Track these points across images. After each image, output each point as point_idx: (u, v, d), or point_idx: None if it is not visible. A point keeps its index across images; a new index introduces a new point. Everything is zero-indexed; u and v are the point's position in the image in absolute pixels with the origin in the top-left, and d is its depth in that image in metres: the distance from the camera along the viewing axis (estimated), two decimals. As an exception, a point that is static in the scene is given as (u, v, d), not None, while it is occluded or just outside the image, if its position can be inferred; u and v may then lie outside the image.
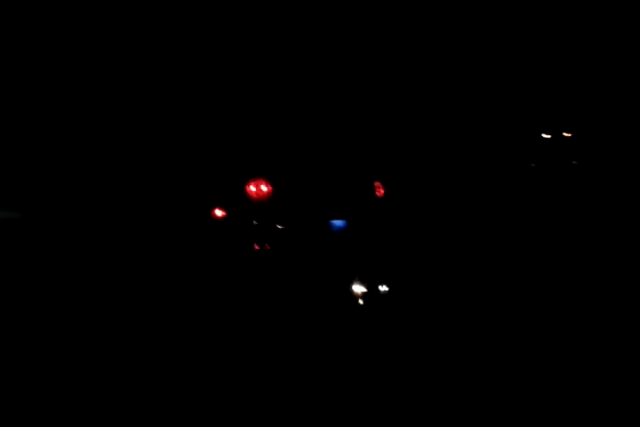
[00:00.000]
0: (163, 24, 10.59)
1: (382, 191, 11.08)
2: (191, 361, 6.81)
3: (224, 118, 10.91)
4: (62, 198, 11.29)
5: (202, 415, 4.61)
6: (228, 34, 10.68)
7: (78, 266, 10.16)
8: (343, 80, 11.04)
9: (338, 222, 10.82)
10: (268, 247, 10.63)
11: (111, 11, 10.59)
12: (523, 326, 8.46)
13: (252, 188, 10.66)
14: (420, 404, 5.58)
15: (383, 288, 10.14)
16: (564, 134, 11.13)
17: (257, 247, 10.58)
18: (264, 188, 10.65)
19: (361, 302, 9.87)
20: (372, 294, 10.17)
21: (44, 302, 8.62)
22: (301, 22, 10.64)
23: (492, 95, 11.26)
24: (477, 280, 10.14)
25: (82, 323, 7.82)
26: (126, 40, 10.61)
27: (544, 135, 11.23)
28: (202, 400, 5.00)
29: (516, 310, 9.18)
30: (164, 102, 10.83)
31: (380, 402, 5.75)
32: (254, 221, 10.70)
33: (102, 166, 11.04)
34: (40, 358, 6.26)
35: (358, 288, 10.16)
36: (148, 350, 6.95)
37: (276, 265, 10.46)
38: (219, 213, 10.78)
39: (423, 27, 11.01)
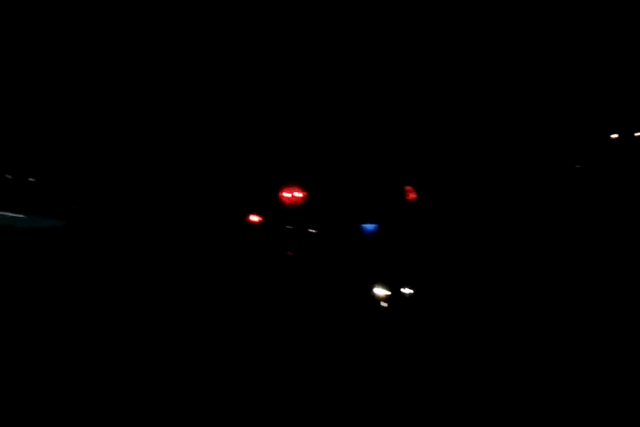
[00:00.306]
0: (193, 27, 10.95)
1: (413, 195, 11.40)
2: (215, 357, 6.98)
3: (259, 127, 11.35)
4: (103, 207, 11.90)
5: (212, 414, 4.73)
6: (258, 41, 11.02)
7: (118, 269, 10.73)
8: (374, 89, 11.34)
9: (369, 226, 11.19)
10: (300, 250, 11.08)
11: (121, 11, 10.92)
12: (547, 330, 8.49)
13: (287, 194, 11.11)
14: (438, 405, 5.70)
15: (410, 291, 10.41)
16: (633, 135, 11.15)
17: (290, 253, 11.06)
18: (298, 193, 11.09)
19: (385, 304, 10.18)
20: (399, 296, 10.45)
21: (82, 303, 8.92)
22: (320, 29, 10.91)
23: (526, 102, 11.39)
24: (505, 285, 10.33)
25: (118, 324, 8.06)
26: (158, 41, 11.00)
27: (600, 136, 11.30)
28: (213, 398, 5.17)
29: (540, 319, 9.27)
30: (200, 111, 11.31)
31: (400, 402, 5.78)
32: (288, 226, 11.17)
33: (141, 174, 11.61)
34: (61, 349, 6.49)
35: (384, 291, 10.45)
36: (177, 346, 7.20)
37: (309, 268, 10.85)
38: (254, 218, 11.27)
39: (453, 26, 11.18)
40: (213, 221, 11.53)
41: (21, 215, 18.82)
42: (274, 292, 10.20)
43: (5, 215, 19.16)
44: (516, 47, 11.00)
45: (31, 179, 20.15)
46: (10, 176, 21.66)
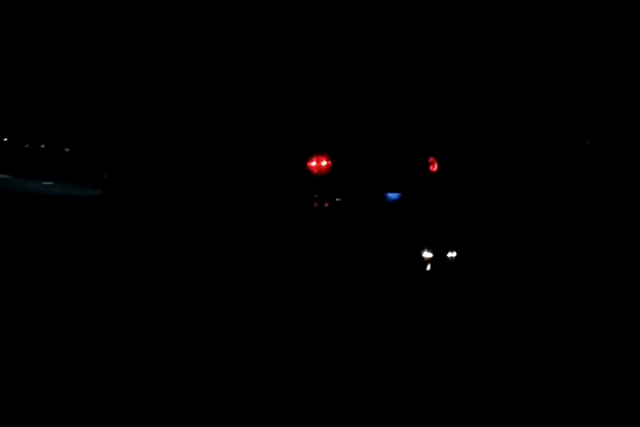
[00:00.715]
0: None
1: (436, 166, 11.76)
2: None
3: (286, 100, 11.66)
4: (140, 177, 12.16)
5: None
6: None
7: (153, 238, 11.00)
8: (395, 63, 11.62)
9: (393, 195, 11.56)
10: (328, 220, 11.45)
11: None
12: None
13: (314, 163, 11.47)
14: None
15: (429, 255, 10.69)
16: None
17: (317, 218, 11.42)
18: (324, 162, 11.45)
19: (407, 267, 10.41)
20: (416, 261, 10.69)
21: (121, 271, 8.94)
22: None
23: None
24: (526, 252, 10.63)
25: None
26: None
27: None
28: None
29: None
30: (232, 85, 11.60)
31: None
32: (315, 194, 11.54)
33: (177, 145, 11.94)
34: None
35: (421, 255, 10.67)
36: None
37: (336, 235, 11.17)
38: (283, 184, 11.65)
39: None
40: (245, 189, 11.86)
41: (54, 182, 19.05)
42: (303, 258, 10.37)
43: (41, 183, 19.39)
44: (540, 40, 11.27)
45: (67, 149, 20.49)
46: (44, 146, 21.97)
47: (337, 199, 11.50)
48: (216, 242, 10.84)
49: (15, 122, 22.13)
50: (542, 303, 7.97)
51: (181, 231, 11.28)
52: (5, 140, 23.77)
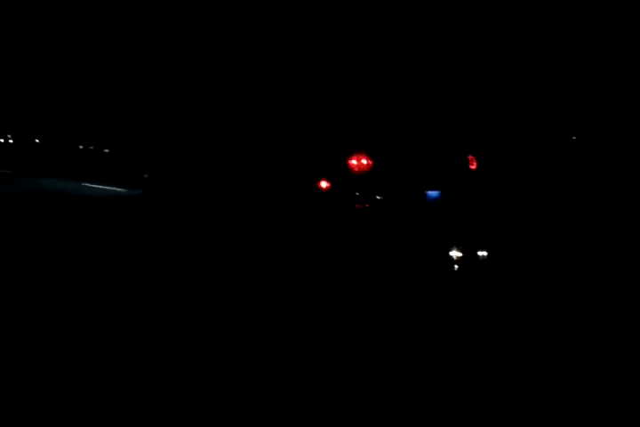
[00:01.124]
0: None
1: (475, 164, 11.83)
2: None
3: (329, 99, 11.81)
4: (177, 177, 12.35)
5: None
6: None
7: (191, 236, 11.10)
8: (434, 63, 11.71)
9: (433, 193, 11.65)
10: (368, 216, 11.56)
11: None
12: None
13: (354, 161, 11.60)
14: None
15: (476, 253, 10.72)
16: None
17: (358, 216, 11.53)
18: (364, 161, 11.58)
19: (456, 266, 10.44)
20: (466, 258, 10.72)
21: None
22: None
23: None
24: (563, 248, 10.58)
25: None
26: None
27: None
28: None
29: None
30: (271, 81, 11.74)
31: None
32: (356, 193, 11.67)
33: (214, 145, 12.12)
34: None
35: (453, 253, 10.72)
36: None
37: (376, 232, 11.24)
38: (324, 184, 11.79)
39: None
40: (285, 187, 12.00)
41: (97, 185, 19.25)
42: (342, 255, 10.44)
43: (85, 185, 19.57)
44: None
45: (106, 150, 20.76)
46: (82, 147, 22.28)
47: (377, 197, 11.62)
48: (252, 237, 10.94)
49: (50, 123, 22.45)
50: (575, 310, 7.62)
51: (217, 226, 11.40)
52: (38, 141, 24.10)
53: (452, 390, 4.89)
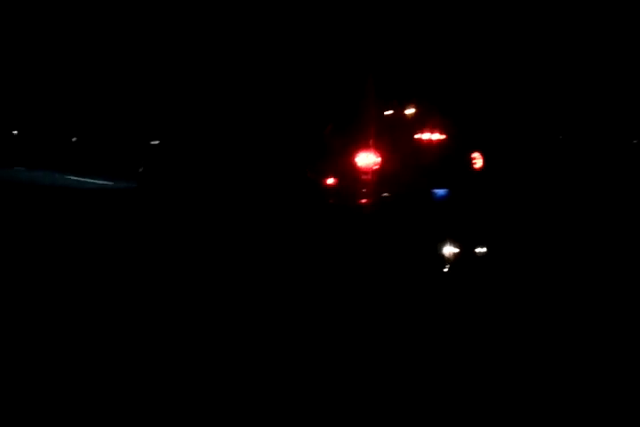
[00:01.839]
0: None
1: (481, 163, 11.71)
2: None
3: (338, 95, 11.65)
4: (176, 169, 12.18)
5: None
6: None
7: (188, 232, 10.96)
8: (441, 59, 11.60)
9: (440, 192, 11.52)
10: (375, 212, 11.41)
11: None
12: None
13: (360, 157, 11.44)
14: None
15: (479, 250, 10.67)
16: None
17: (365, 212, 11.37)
18: (372, 157, 11.43)
19: (452, 264, 10.37)
20: (466, 256, 10.68)
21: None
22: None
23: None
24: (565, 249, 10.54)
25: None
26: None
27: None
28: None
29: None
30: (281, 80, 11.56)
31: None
32: (363, 189, 11.51)
33: (217, 138, 11.91)
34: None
35: (452, 250, 10.67)
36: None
37: (382, 231, 11.12)
38: (330, 180, 11.63)
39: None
40: (288, 184, 11.83)
41: (88, 179, 19.29)
42: (348, 253, 10.36)
43: (73, 179, 19.61)
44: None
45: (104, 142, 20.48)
46: (75, 139, 21.98)
47: (384, 194, 11.47)
48: (253, 234, 10.78)
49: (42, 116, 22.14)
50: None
51: (214, 222, 11.29)
52: (14, 132, 23.69)
53: (452, 390, 4.84)
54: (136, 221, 11.89)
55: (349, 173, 11.53)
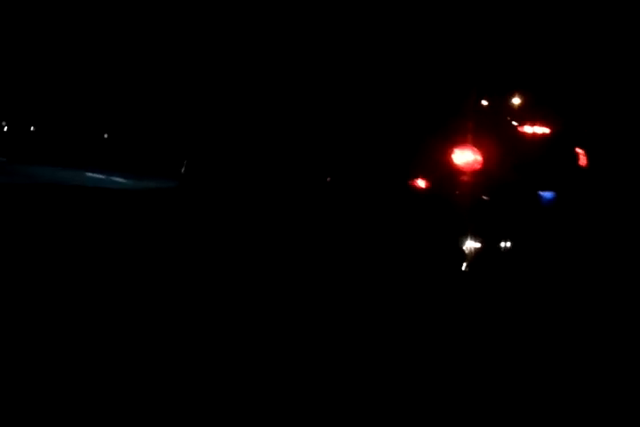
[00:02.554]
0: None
1: (585, 160, 10.43)
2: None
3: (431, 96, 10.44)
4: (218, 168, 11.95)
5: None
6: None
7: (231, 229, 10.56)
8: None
9: (547, 194, 10.20)
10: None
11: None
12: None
13: (458, 155, 10.04)
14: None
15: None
16: None
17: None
18: (471, 155, 10.02)
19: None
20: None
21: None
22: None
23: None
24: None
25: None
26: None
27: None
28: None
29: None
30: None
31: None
32: (457, 192, 10.13)
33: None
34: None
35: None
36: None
37: (480, 235, 9.95)
38: (421, 183, 10.28)
39: None
40: (368, 186, 10.63)
41: (125, 179, 19.57)
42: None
43: (117, 180, 19.75)
44: None
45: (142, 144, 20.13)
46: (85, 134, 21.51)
47: (484, 197, 10.12)
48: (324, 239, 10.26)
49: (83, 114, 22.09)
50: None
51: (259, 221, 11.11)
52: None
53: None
54: (178, 217, 11.90)
55: (445, 174, 10.14)
